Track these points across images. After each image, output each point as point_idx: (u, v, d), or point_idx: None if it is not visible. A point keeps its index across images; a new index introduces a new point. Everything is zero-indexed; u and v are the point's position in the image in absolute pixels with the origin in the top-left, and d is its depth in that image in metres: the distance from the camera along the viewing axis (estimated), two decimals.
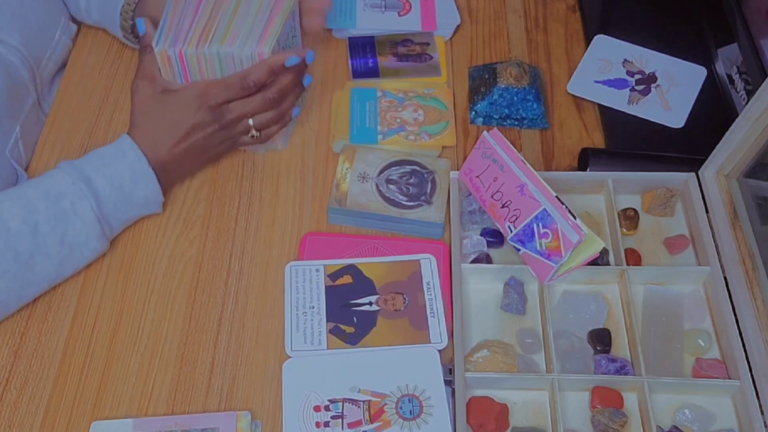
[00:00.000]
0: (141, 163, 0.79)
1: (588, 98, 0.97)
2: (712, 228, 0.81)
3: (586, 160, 0.88)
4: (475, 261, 0.81)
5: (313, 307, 0.78)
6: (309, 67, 1.01)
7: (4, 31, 0.85)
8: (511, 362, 0.75)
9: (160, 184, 0.80)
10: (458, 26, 1.05)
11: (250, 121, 0.83)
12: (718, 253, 0.79)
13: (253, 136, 0.85)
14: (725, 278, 0.78)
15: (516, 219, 0.77)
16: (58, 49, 0.96)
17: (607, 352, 0.76)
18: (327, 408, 0.72)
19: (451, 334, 0.76)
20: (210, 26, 0.80)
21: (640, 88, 0.97)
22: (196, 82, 0.81)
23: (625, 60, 1.00)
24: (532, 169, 0.77)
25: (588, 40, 1.03)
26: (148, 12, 0.89)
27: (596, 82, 0.98)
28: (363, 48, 1.00)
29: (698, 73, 0.99)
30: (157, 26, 0.80)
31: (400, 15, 1.04)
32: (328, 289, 0.79)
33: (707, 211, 0.82)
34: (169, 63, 0.80)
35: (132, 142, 0.79)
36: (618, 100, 0.96)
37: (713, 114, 0.94)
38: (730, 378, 0.73)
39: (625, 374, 0.73)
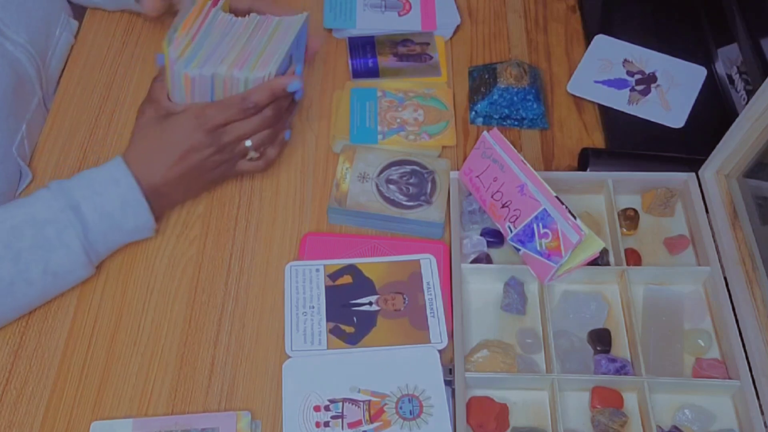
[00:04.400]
0: (133, 192, 0.76)
1: (588, 98, 0.97)
2: (712, 228, 0.81)
3: (586, 160, 0.88)
4: (475, 261, 0.81)
5: (313, 307, 0.78)
6: (309, 66, 1.02)
7: (11, 28, 0.85)
8: (511, 362, 0.75)
9: (153, 210, 0.78)
10: (458, 26, 1.05)
11: (248, 143, 0.81)
12: (718, 253, 0.79)
13: (251, 159, 0.84)
14: (725, 278, 0.78)
15: (516, 219, 0.77)
16: (60, 45, 0.96)
17: (607, 352, 0.76)
18: (327, 408, 0.72)
19: (451, 334, 0.76)
20: (223, 50, 0.79)
21: (640, 88, 0.97)
22: (194, 104, 0.79)
23: (625, 60, 1.00)
24: (532, 169, 0.77)
25: (588, 40, 1.03)
26: None
27: (596, 82, 0.98)
28: (363, 48, 1.00)
29: (698, 73, 0.99)
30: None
31: (400, 15, 1.04)
32: (328, 289, 0.79)
33: (707, 211, 0.82)
34: (181, 83, 0.78)
35: (125, 168, 0.76)
36: (618, 100, 0.96)
37: (713, 114, 0.94)
38: (730, 378, 0.73)
39: (625, 374, 0.74)
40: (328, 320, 0.77)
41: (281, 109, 0.82)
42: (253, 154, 0.83)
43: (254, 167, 0.85)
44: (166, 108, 0.80)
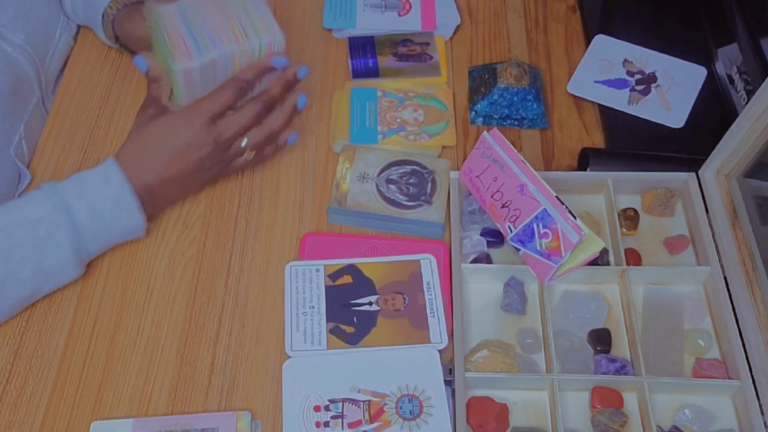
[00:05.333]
0: (125, 194, 0.76)
1: (588, 98, 0.97)
2: (712, 228, 0.81)
3: (586, 160, 0.88)
4: (475, 261, 0.81)
5: (313, 307, 0.78)
6: (309, 66, 1.02)
7: (8, 29, 0.85)
8: (511, 362, 0.75)
9: (144, 210, 0.78)
10: (458, 26, 1.05)
11: (244, 143, 0.81)
12: (718, 253, 0.79)
13: (246, 159, 0.83)
14: (725, 278, 0.78)
15: (516, 219, 0.77)
16: (60, 47, 0.96)
17: (607, 352, 0.76)
18: (327, 408, 0.72)
19: (451, 334, 0.76)
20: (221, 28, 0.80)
21: (640, 88, 0.97)
22: (190, 102, 0.80)
23: (625, 60, 1.00)
24: (532, 169, 0.77)
25: (588, 40, 1.03)
26: (127, 25, 0.90)
27: (596, 82, 0.98)
28: (363, 48, 1.00)
29: (698, 73, 0.99)
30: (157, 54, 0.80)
31: (400, 15, 1.04)
32: (328, 289, 0.79)
33: (707, 211, 0.82)
34: (190, 78, 0.79)
35: (117, 169, 0.76)
36: (618, 100, 0.96)
37: (713, 114, 0.94)
38: (730, 378, 0.73)
39: (625, 374, 0.74)
40: (328, 320, 0.77)
41: (273, 97, 0.82)
42: (248, 154, 0.83)
43: (247, 165, 0.85)
44: (163, 108, 0.80)
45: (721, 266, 0.79)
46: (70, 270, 0.77)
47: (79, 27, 1.02)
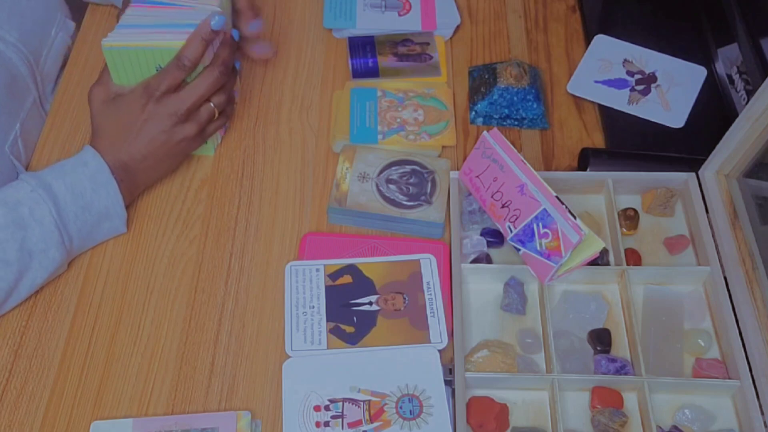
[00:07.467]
0: (102, 172, 0.78)
1: (588, 98, 0.97)
2: (712, 228, 0.81)
3: (586, 160, 0.88)
4: (475, 261, 0.81)
5: (313, 307, 0.78)
6: (309, 66, 1.02)
7: (3, 28, 0.86)
8: (511, 362, 0.75)
9: (122, 191, 0.79)
10: (458, 26, 1.05)
11: (212, 104, 0.83)
12: (718, 253, 0.79)
13: (219, 122, 0.86)
14: (725, 278, 0.78)
15: (516, 219, 0.77)
16: (55, 46, 0.96)
17: (607, 352, 0.76)
18: (327, 408, 0.72)
19: (451, 334, 0.76)
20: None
21: (640, 88, 0.97)
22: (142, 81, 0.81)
23: (625, 60, 1.00)
24: (532, 169, 0.77)
25: (588, 40, 1.03)
26: None
27: (596, 82, 0.98)
28: (363, 48, 1.00)
29: (698, 73, 0.99)
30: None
31: (400, 15, 1.04)
32: (328, 289, 0.79)
33: (707, 211, 0.82)
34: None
35: (94, 151, 0.79)
36: (618, 100, 0.96)
37: (713, 114, 0.94)
38: (730, 378, 0.73)
39: (625, 374, 0.74)
40: (328, 320, 0.77)
41: (226, 60, 0.82)
42: (217, 114, 0.84)
43: (218, 126, 0.87)
44: (115, 91, 0.82)
45: (721, 266, 0.79)
46: (53, 250, 0.76)
47: (78, 27, 1.02)
